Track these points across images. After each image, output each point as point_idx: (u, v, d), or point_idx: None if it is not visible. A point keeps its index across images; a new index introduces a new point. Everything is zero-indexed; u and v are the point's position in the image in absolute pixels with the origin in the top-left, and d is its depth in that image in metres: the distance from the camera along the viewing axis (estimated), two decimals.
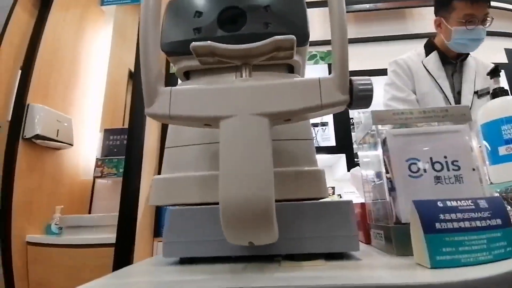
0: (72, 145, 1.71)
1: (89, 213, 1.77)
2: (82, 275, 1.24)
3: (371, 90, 0.30)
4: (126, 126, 1.78)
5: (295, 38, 0.31)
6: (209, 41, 0.32)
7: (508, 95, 0.48)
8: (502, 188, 0.83)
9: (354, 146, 1.41)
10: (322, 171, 0.39)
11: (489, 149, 0.49)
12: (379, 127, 0.41)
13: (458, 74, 1.07)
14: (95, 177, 1.77)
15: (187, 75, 0.47)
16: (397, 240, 0.36)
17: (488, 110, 0.50)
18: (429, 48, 1.11)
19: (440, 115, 0.40)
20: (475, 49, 1.01)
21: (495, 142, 0.48)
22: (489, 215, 0.30)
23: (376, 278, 0.27)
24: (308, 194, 0.38)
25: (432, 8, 2.02)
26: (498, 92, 0.49)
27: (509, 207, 0.88)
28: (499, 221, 0.30)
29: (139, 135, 1.31)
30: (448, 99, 1.01)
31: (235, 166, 0.28)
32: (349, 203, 0.37)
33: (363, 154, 0.48)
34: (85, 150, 1.87)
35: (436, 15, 1.08)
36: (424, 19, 1.98)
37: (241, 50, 0.32)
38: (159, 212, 1.41)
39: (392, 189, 0.39)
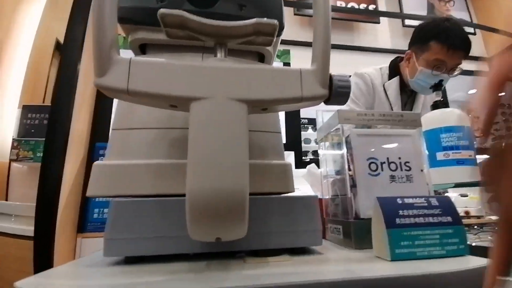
0: None
1: (6, 200, 1.51)
2: (5, 264, 1.07)
3: (350, 87, 0.30)
4: (48, 103, 1.54)
5: (277, 23, 0.30)
6: (182, 11, 0.29)
7: (448, 107, 0.55)
8: (439, 189, 0.94)
9: (303, 144, 1.47)
10: (290, 164, 0.38)
11: (429, 153, 0.55)
12: (344, 126, 0.42)
13: (409, 105, 1.09)
14: (11, 160, 1.50)
15: (143, 49, 0.42)
16: (356, 234, 0.37)
17: (429, 119, 0.56)
18: (393, 71, 1.08)
19: (396, 119, 0.43)
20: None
21: (434, 148, 0.54)
22: (440, 213, 0.33)
23: (344, 273, 0.27)
24: (276, 188, 0.37)
25: (376, 25, 2.21)
26: (439, 104, 0.56)
27: None
28: (449, 219, 0.33)
29: (65, 115, 1.13)
30: None
31: (208, 154, 0.25)
32: (315, 198, 0.37)
33: (324, 152, 0.49)
34: (3, 128, 1.59)
35: (409, 48, 1.03)
36: (366, 34, 2.17)
37: (219, 28, 0.30)
38: (85, 204, 1.27)
39: (353, 185, 0.40)
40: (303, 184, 0.73)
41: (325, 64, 0.29)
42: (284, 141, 1.52)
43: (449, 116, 0.54)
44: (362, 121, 0.42)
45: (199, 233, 0.27)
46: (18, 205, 1.31)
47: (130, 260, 0.33)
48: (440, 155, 0.53)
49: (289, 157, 1.44)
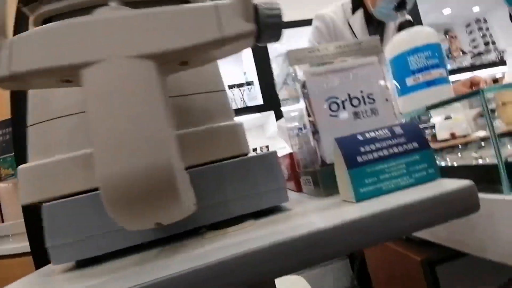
0: None
1: (2, 221, 1.50)
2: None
3: (280, 15, 0.25)
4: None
5: None
6: None
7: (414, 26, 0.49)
8: (414, 116, 0.91)
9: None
10: (240, 124, 0.34)
11: (398, 81, 0.51)
12: (297, 69, 0.38)
13: (379, 38, 1.02)
14: None
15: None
16: (323, 182, 0.35)
17: (394, 44, 0.51)
18: (356, 4, 1.00)
19: (354, 48, 0.39)
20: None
21: (403, 74, 0.50)
22: (405, 140, 0.30)
23: (306, 226, 0.25)
24: (227, 153, 0.33)
25: None
26: (404, 25, 0.50)
27: None
28: (415, 145, 0.30)
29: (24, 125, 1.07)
30: (382, 59, 0.97)
31: (112, 132, 0.21)
32: (272, 154, 0.34)
33: (284, 102, 0.45)
34: None
35: None
36: None
37: None
38: None
39: (315, 131, 0.37)
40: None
41: None
42: (261, 102, 1.48)
43: (415, 36, 0.49)
44: (315, 58, 0.38)
45: (130, 224, 0.24)
46: (13, 224, 1.31)
47: (84, 263, 0.31)
48: (409, 81, 0.49)
49: (270, 117, 1.40)
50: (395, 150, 0.29)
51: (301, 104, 0.37)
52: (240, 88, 1.46)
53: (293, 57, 0.37)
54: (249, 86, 1.47)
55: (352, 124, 0.37)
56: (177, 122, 0.33)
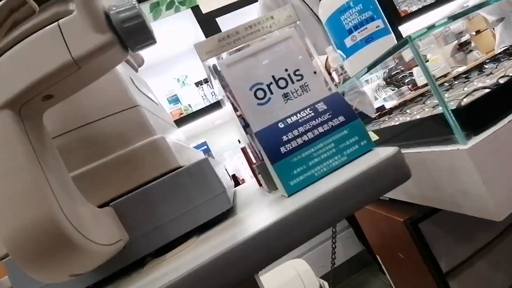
0: None
1: None
2: None
3: (140, 15, 0.22)
4: None
5: None
6: None
7: None
8: (385, 75, 0.87)
9: None
10: (160, 138, 0.31)
11: (338, 45, 0.48)
12: (210, 62, 0.34)
13: None
14: None
15: None
16: (264, 177, 0.32)
17: (325, 4, 0.47)
18: None
19: (267, 24, 0.35)
20: None
21: (340, 36, 0.46)
22: (330, 116, 0.27)
23: (243, 232, 0.22)
24: (154, 172, 0.30)
25: None
26: None
27: (397, 88, 0.95)
28: (342, 118, 0.27)
29: None
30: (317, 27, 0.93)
31: None
32: (202, 162, 0.31)
33: (217, 98, 0.42)
34: None
35: None
36: None
37: None
38: None
39: (246, 125, 0.34)
40: None
41: (88, 1, 0.21)
42: None
43: None
44: (228, 46, 0.34)
45: (42, 278, 0.22)
46: None
47: None
48: (348, 41, 0.45)
49: None
50: (321, 130, 0.26)
51: (220, 93, 0.34)
52: (208, 83, 1.41)
53: (203, 50, 0.34)
54: (208, 83, 1.41)
55: (284, 107, 0.34)
56: (88, 154, 0.30)
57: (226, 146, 1.49)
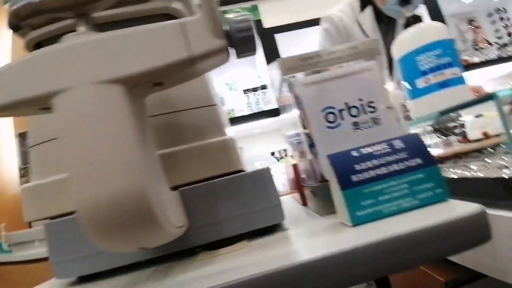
0: None
1: (30, 227, 1.60)
2: None
3: (251, 28, 0.24)
4: None
5: None
6: None
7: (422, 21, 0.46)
8: (434, 121, 0.85)
9: None
10: (231, 139, 0.33)
11: (408, 84, 0.47)
12: (289, 78, 0.36)
13: (391, 34, 0.95)
14: None
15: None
16: (322, 200, 0.33)
17: (401, 43, 0.47)
18: (365, 0, 0.95)
19: (349, 53, 0.36)
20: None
21: (412, 75, 0.46)
22: (407, 156, 0.27)
23: (292, 257, 0.23)
24: (219, 170, 0.32)
25: None
26: (410, 21, 0.46)
27: (444, 137, 0.92)
28: (418, 161, 0.27)
29: None
30: (382, 62, 0.93)
31: (83, 159, 0.20)
32: (265, 171, 0.32)
33: (283, 112, 0.43)
34: (4, 161, 1.62)
35: None
36: None
37: None
38: None
39: (312, 145, 0.34)
40: None
41: (212, 8, 0.23)
42: (276, 105, 1.46)
43: (423, 32, 0.45)
44: (308, 66, 0.36)
45: (111, 248, 0.23)
46: (41, 229, 1.38)
47: (86, 278, 0.31)
48: (420, 82, 0.45)
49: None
50: (395, 167, 0.26)
51: (293, 109, 0.35)
52: (255, 92, 1.45)
53: (285, 66, 0.35)
54: (264, 90, 1.45)
55: (352, 135, 0.34)
56: (166, 139, 0.32)
57: (258, 156, 1.51)
